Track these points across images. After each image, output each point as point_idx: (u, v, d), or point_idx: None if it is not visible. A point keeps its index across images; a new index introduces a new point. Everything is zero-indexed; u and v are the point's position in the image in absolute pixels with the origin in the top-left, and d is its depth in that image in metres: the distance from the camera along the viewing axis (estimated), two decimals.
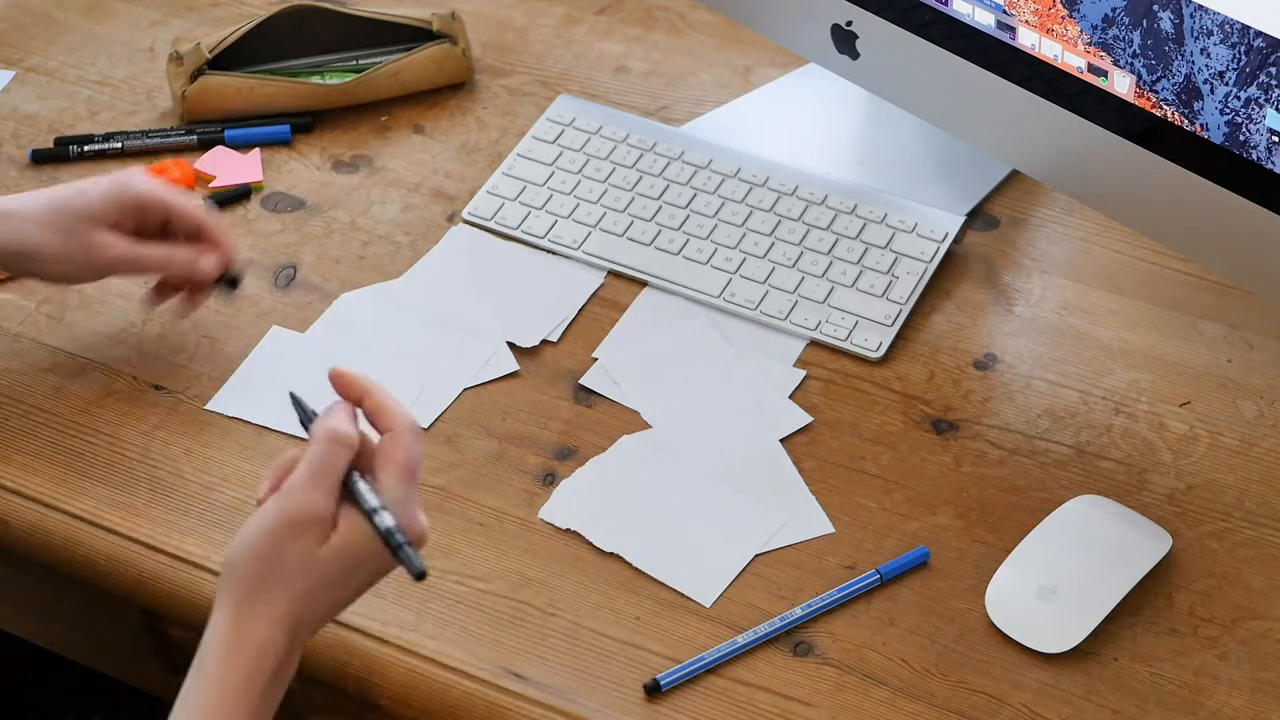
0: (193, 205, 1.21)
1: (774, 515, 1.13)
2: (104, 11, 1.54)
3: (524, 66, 1.48)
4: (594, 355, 1.23)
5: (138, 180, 1.19)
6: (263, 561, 0.94)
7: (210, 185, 1.37)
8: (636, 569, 1.10)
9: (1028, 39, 1.18)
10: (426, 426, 1.19)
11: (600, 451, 1.17)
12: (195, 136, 1.40)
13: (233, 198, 1.36)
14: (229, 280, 1.21)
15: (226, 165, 1.38)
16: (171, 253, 1.20)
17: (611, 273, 1.30)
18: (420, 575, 0.92)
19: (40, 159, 1.39)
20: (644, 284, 1.29)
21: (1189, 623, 1.08)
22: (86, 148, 1.39)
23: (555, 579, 1.10)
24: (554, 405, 1.21)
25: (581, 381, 1.21)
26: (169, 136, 1.40)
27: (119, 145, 1.39)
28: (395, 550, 0.93)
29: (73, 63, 1.49)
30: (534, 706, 1.04)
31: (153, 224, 1.20)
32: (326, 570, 0.94)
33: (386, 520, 0.93)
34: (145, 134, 1.40)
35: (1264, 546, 1.12)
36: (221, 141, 1.40)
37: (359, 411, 0.97)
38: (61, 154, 1.39)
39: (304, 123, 1.41)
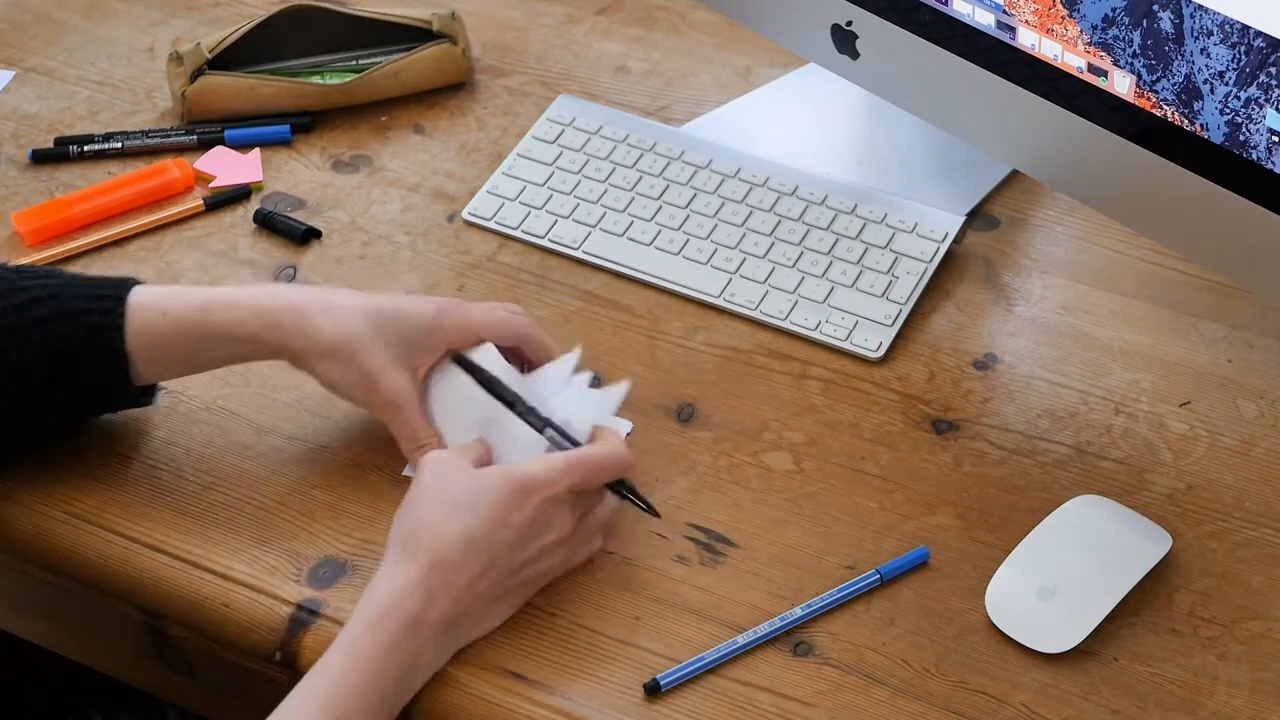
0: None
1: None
2: (104, 11, 1.54)
3: (524, 66, 1.48)
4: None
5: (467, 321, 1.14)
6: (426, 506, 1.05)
7: (210, 185, 1.37)
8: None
9: (1028, 39, 1.18)
10: None
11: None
12: (195, 136, 1.40)
13: (233, 198, 1.36)
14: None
15: (226, 165, 1.38)
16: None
17: (612, 272, 1.30)
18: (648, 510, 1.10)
19: (40, 159, 1.39)
20: (645, 284, 1.29)
21: (1189, 623, 1.08)
22: (86, 148, 1.39)
23: (555, 579, 1.10)
24: None
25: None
26: (169, 136, 1.40)
27: (119, 145, 1.39)
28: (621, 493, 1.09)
29: (73, 63, 1.49)
30: (534, 706, 1.04)
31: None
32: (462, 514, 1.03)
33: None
34: (145, 134, 1.40)
35: (1264, 546, 1.12)
36: (221, 141, 1.40)
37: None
38: (61, 154, 1.39)
39: (303, 123, 1.41)
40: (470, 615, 1.04)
